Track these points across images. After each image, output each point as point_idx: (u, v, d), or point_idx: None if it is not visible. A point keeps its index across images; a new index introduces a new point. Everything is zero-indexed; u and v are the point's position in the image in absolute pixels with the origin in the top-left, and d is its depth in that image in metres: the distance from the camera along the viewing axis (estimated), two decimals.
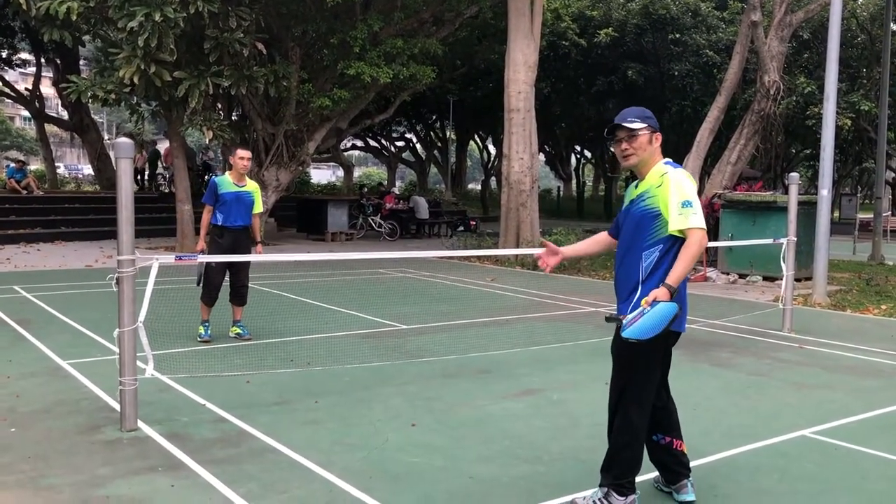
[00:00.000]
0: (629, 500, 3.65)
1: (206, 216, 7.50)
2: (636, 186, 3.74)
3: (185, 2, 14.20)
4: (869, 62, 21.83)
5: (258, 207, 7.68)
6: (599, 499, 3.67)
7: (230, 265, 7.40)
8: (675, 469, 3.86)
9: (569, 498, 3.84)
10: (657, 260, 3.59)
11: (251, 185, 7.65)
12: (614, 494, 3.65)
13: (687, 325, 3.74)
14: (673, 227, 3.51)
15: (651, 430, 3.81)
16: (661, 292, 3.44)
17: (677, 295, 3.49)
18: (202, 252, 7.38)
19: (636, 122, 3.66)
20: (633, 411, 3.64)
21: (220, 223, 7.45)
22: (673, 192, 3.53)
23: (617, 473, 3.65)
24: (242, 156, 7.52)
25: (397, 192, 25.90)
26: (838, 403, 5.77)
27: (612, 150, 3.78)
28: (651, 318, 3.39)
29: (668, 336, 3.56)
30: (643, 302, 3.47)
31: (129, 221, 4.68)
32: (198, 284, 7.50)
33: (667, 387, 3.90)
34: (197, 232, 8.58)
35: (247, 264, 7.64)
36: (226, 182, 7.48)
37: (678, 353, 7.24)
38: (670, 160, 3.74)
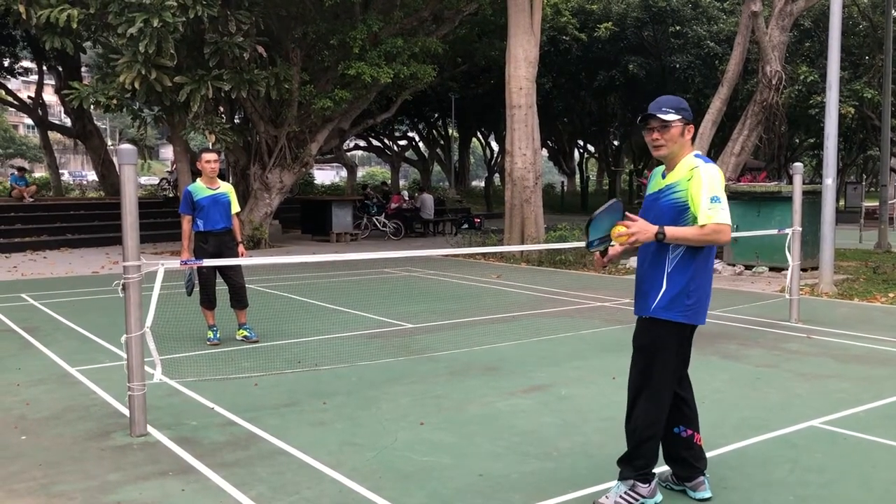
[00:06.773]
0: (653, 486, 3.71)
1: (186, 226, 7.50)
2: (664, 176, 3.75)
3: (184, 6, 14.23)
4: (871, 50, 21.73)
5: (235, 207, 7.72)
6: (626, 492, 3.68)
7: (220, 269, 7.44)
8: (692, 464, 3.84)
9: (579, 494, 3.83)
10: (684, 252, 3.63)
11: (225, 187, 7.68)
12: (639, 484, 3.67)
13: None
14: (702, 221, 3.54)
15: (673, 422, 3.80)
16: (650, 228, 3.52)
17: (695, 286, 3.60)
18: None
19: (670, 114, 3.66)
20: (657, 402, 3.67)
21: (202, 229, 7.48)
22: (704, 187, 3.56)
23: (640, 464, 3.68)
24: (209, 159, 7.53)
25: (407, 196, 25.67)
26: (847, 393, 5.76)
27: (644, 137, 3.81)
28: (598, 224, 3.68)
29: (685, 328, 3.66)
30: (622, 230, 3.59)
31: (133, 227, 4.69)
32: (189, 294, 7.57)
33: (687, 378, 3.91)
34: None
35: (238, 265, 7.66)
36: (199, 188, 7.50)
37: None
38: (700, 153, 3.76)
